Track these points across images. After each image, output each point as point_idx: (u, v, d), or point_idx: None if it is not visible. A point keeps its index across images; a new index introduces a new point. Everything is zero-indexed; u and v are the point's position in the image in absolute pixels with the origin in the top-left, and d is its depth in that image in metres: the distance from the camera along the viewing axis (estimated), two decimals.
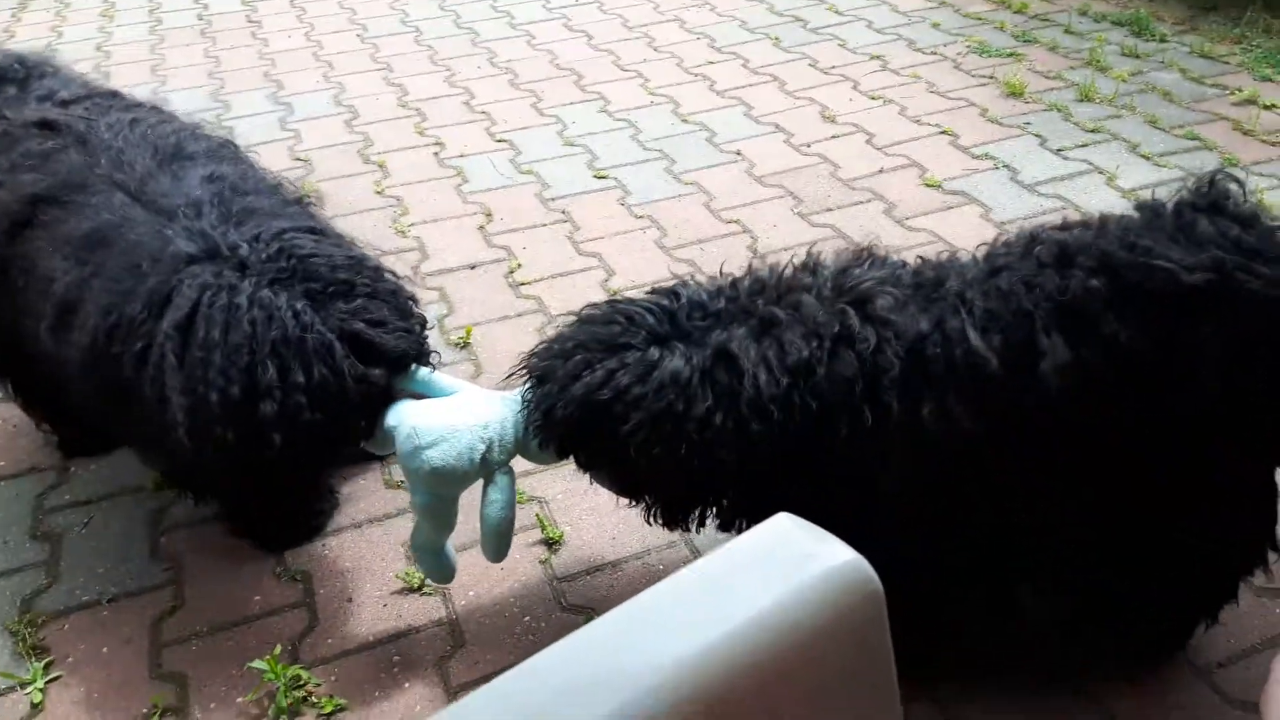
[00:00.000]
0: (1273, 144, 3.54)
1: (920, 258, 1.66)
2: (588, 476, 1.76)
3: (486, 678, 1.82)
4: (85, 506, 2.32)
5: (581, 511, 2.22)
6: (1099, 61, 4.26)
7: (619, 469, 1.63)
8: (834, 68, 4.45)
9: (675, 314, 1.58)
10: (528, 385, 1.69)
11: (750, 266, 1.68)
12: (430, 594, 2.05)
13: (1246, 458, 1.52)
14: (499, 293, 3.02)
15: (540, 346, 1.69)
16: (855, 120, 3.95)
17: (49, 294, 1.80)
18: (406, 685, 1.86)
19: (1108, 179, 3.40)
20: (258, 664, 1.86)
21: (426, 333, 1.93)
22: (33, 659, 1.94)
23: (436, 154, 3.91)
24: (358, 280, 1.82)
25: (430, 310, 1.98)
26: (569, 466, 2.12)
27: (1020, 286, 1.46)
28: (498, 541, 1.78)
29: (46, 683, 1.90)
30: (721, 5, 5.30)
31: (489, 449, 1.70)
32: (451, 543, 1.87)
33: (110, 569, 2.15)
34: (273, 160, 3.84)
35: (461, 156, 3.88)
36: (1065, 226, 1.57)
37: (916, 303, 1.51)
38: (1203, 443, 1.45)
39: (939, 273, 1.56)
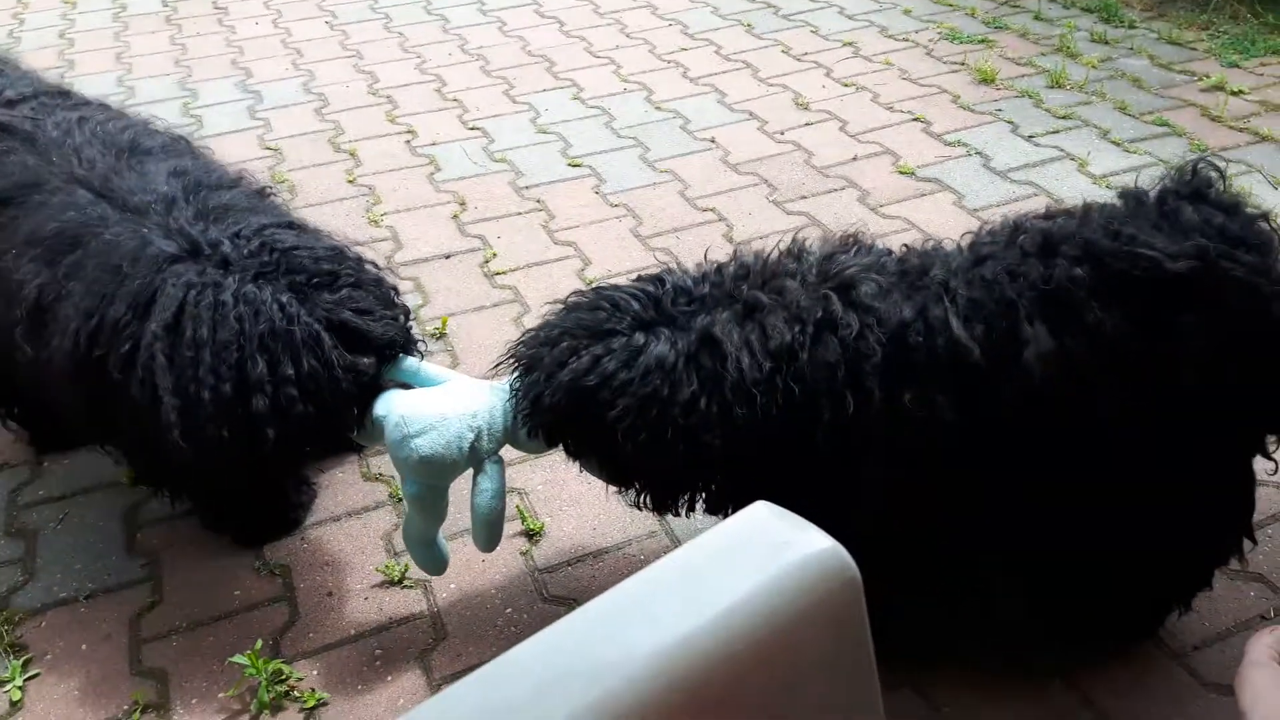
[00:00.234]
0: (1240, 130, 3.59)
1: (905, 246, 1.67)
2: (577, 465, 1.76)
3: (469, 670, 1.83)
4: (60, 502, 2.30)
5: (562, 502, 2.23)
6: (1069, 48, 4.29)
7: (607, 456, 1.64)
8: (806, 54, 4.45)
9: (660, 300, 1.59)
10: (515, 374, 1.69)
11: (735, 252, 1.68)
12: (412, 587, 2.05)
13: (1226, 446, 1.53)
14: (474, 282, 3.01)
15: (527, 334, 1.69)
16: (828, 107, 3.96)
17: (19, 298, 1.77)
18: (389, 678, 1.87)
19: (1079, 165, 3.43)
20: (239, 659, 1.85)
21: (410, 322, 1.93)
22: (11, 657, 1.93)
23: (408, 142, 3.88)
24: (341, 270, 1.81)
25: (406, 301, 1.97)
26: (548, 458, 2.13)
27: (1004, 275, 1.46)
28: (488, 531, 1.79)
29: (25, 680, 1.89)
30: None
31: (478, 438, 1.71)
32: (443, 534, 1.88)
33: (87, 565, 2.13)
34: (242, 149, 3.82)
35: (433, 145, 3.86)
36: (1049, 215, 1.58)
37: (900, 290, 1.52)
38: (1183, 431, 1.46)
39: (923, 261, 1.57)
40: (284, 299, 1.69)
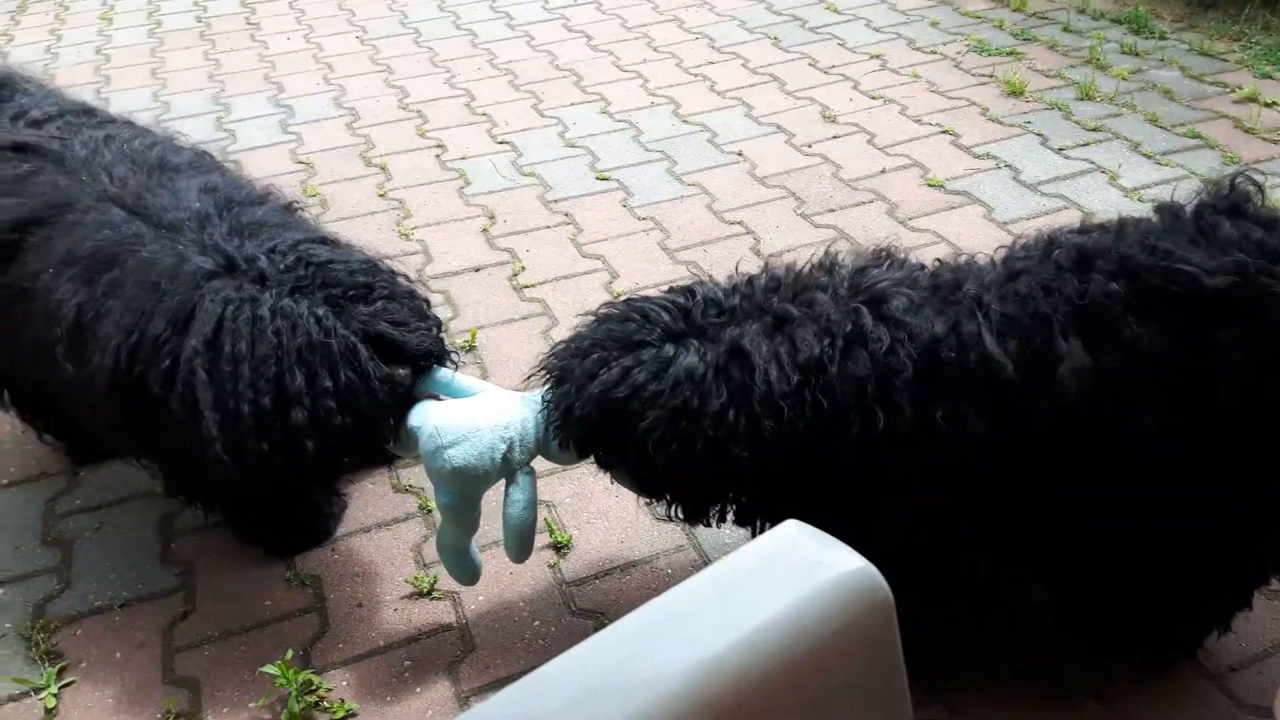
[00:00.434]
0: (1274, 142, 3.55)
1: (937, 260, 1.66)
2: (607, 476, 1.77)
3: (497, 682, 1.86)
4: (96, 512, 2.33)
5: (590, 515, 2.24)
6: (1099, 60, 4.27)
7: (638, 467, 1.64)
8: (834, 67, 4.45)
9: (690, 311, 1.59)
10: (546, 385, 1.70)
11: (767, 264, 1.69)
12: (441, 598, 2.06)
13: (1264, 463, 1.51)
14: (503, 295, 3.03)
15: (558, 346, 1.70)
16: (856, 120, 3.96)
17: (58, 317, 1.80)
18: (418, 690, 1.88)
19: (1110, 178, 3.41)
20: (269, 669, 1.87)
21: (442, 334, 1.94)
22: (46, 664, 1.96)
23: (438, 156, 3.92)
24: (376, 283, 1.84)
25: (436, 313, 1.99)
26: (576, 470, 2.14)
27: (1038, 290, 1.46)
28: (520, 542, 1.80)
29: (60, 688, 1.92)
30: (720, 5, 5.31)
31: (510, 449, 1.72)
32: (475, 544, 1.89)
33: (122, 574, 2.16)
34: (274, 164, 3.87)
35: (463, 159, 3.89)
36: (1083, 230, 1.57)
37: (933, 305, 1.51)
38: (1221, 447, 1.44)
39: (956, 275, 1.57)
40: (320, 312, 1.72)
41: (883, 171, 3.57)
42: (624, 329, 1.61)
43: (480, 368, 2.71)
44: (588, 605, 2.03)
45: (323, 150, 4.02)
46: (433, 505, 2.29)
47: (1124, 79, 4.10)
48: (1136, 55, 4.32)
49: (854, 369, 1.46)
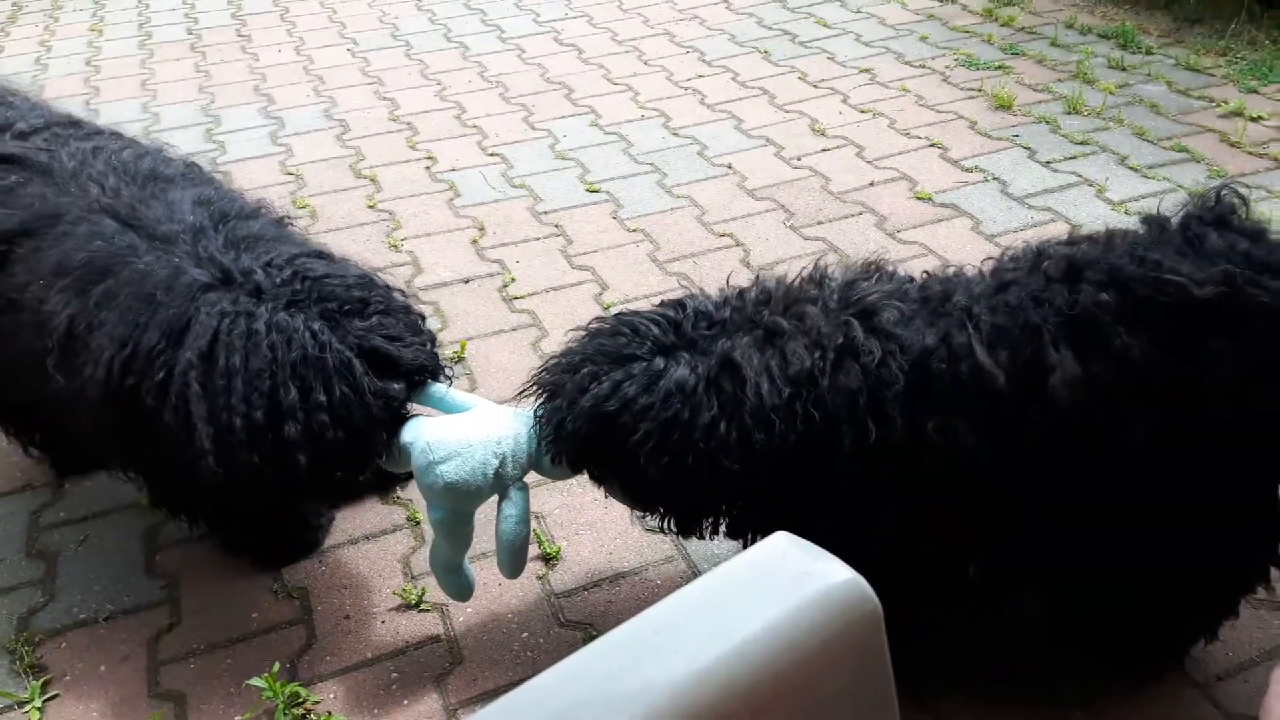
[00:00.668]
0: (1259, 155, 3.58)
1: (926, 272, 1.67)
2: (601, 490, 1.77)
3: (485, 694, 1.85)
4: (80, 524, 2.32)
5: (578, 527, 2.23)
6: (1086, 74, 4.30)
7: (630, 480, 1.64)
8: (823, 81, 4.48)
9: (680, 324, 1.59)
10: (538, 400, 1.70)
11: (758, 277, 1.69)
12: (429, 610, 2.05)
13: (1253, 471, 1.52)
14: (493, 307, 3.03)
15: (549, 361, 1.70)
16: (845, 133, 3.98)
17: (49, 328, 1.78)
18: (405, 702, 1.87)
19: (1097, 191, 3.43)
20: (256, 681, 1.86)
21: (437, 349, 1.94)
22: (30, 678, 1.94)
23: (428, 168, 3.92)
24: (371, 297, 1.83)
25: (431, 329, 1.99)
26: (566, 482, 2.13)
27: (1028, 301, 1.46)
28: (513, 557, 1.79)
29: (44, 701, 1.90)
30: (711, 19, 5.34)
31: (503, 464, 1.71)
32: (469, 560, 1.88)
33: (107, 586, 2.15)
34: (264, 175, 3.87)
35: (453, 170, 3.89)
36: (1072, 241, 1.58)
37: (923, 317, 1.52)
38: (1210, 456, 1.45)
39: (945, 287, 1.57)
40: (316, 326, 1.71)
41: (871, 184, 3.59)
42: (614, 343, 1.61)
43: (469, 379, 2.70)
44: (576, 617, 2.02)
45: (312, 162, 4.01)
46: (421, 517, 2.28)
47: (1111, 93, 4.13)
48: (1124, 70, 4.36)
49: (846, 381, 1.47)
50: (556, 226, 3.45)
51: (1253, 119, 3.82)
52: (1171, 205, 1.58)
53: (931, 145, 3.84)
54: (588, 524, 2.23)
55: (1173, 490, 1.47)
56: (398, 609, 2.06)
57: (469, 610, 2.04)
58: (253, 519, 2.10)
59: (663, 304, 1.67)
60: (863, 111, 4.16)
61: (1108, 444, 1.43)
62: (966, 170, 3.64)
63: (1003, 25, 4.97)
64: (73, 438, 2.11)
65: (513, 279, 3.16)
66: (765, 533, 0.97)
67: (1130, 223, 1.60)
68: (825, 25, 5.13)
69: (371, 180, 3.84)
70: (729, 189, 3.63)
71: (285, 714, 1.83)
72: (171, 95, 4.75)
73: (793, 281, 1.66)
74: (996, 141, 3.83)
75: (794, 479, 1.52)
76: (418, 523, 2.27)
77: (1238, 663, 1.83)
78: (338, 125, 4.33)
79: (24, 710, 1.88)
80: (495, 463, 1.71)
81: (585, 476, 1.75)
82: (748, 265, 3.14)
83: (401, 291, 1.97)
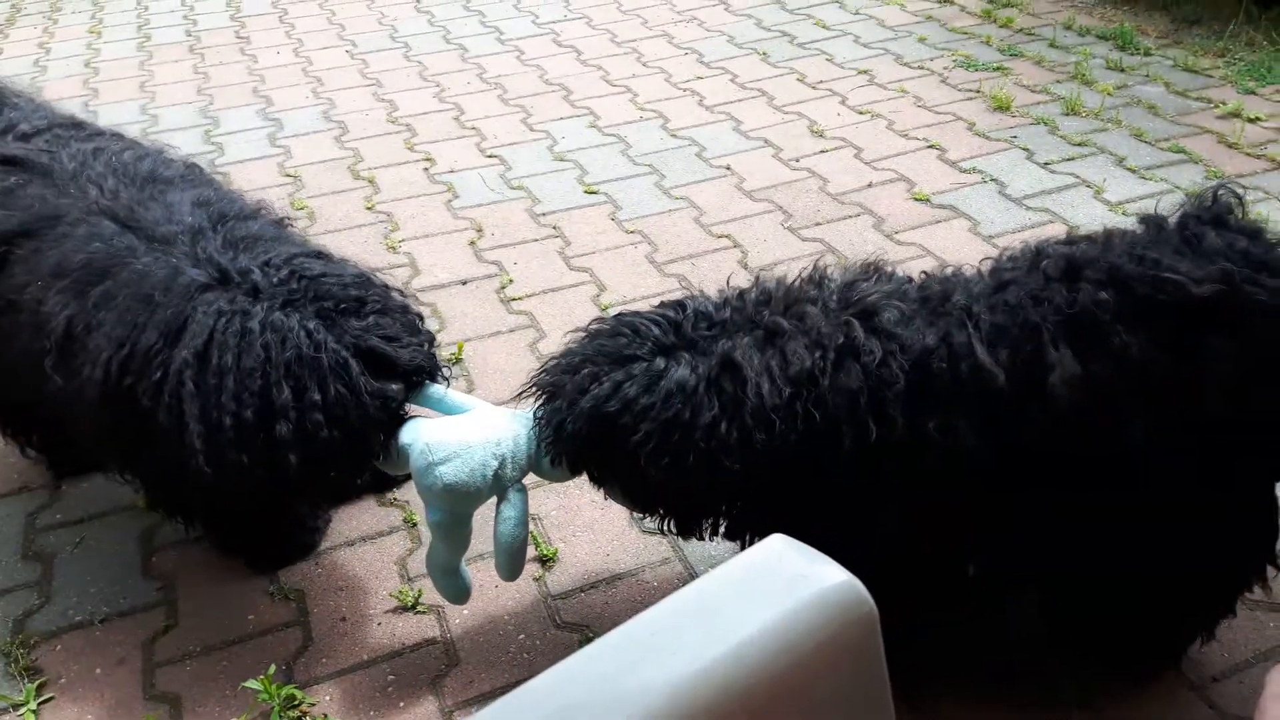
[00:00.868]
0: (1257, 156, 3.58)
1: (924, 272, 1.67)
2: (600, 492, 1.76)
3: (482, 696, 1.84)
4: (77, 525, 2.31)
5: (576, 528, 2.23)
6: (1084, 75, 4.30)
7: (630, 482, 1.64)
8: (821, 82, 4.48)
9: (680, 325, 1.59)
10: (538, 402, 1.69)
11: (758, 278, 1.69)
12: (425, 612, 2.05)
13: (1251, 470, 1.52)
14: (490, 308, 3.03)
15: (549, 362, 1.70)
16: (843, 135, 3.98)
17: (47, 329, 1.78)
18: (402, 704, 1.86)
19: (1095, 192, 3.43)
20: (252, 684, 1.85)
21: (435, 350, 1.94)
22: (25, 680, 1.93)
23: (426, 169, 3.92)
24: (368, 297, 1.83)
25: (429, 329, 1.98)
26: (562, 484, 2.13)
27: (1028, 300, 1.47)
28: (511, 560, 1.78)
29: (39, 704, 1.90)
30: (709, 20, 5.34)
31: (502, 466, 1.71)
32: (465, 562, 1.88)
33: (102, 588, 2.14)
34: (263, 176, 3.87)
35: (451, 172, 3.89)
36: (1070, 241, 1.58)
37: (923, 317, 1.52)
38: (1208, 454, 1.45)
39: (945, 287, 1.57)
40: (311, 326, 1.71)
41: (869, 185, 3.59)
42: (614, 344, 1.61)
43: (467, 380, 2.70)
44: (573, 619, 2.02)
45: (311, 163, 4.01)
46: (417, 518, 2.28)
47: (1109, 94, 4.13)
48: (1122, 71, 4.36)
49: (846, 381, 1.47)
50: (555, 228, 3.45)
51: (1251, 120, 3.82)
52: (1169, 206, 1.58)
53: (930, 146, 3.84)
54: (585, 526, 2.23)
55: (1171, 489, 1.47)
56: (394, 611, 2.06)
57: (465, 612, 2.04)
58: (248, 520, 2.10)
59: (662, 305, 1.67)
60: (861, 113, 4.16)
61: (1107, 442, 1.43)
62: (965, 171, 3.64)
63: (1001, 27, 4.97)
64: (70, 439, 2.11)
65: (511, 280, 3.16)
66: (765, 533, 0.97)
67: (1128, 224, 1.60)
68: (824, 27, 5.13)
69: (370, 182, 3.84)
70: (727, 190, 3.63)
71: (281, 716, 1.82)
72: (170, 97, 4.75)
73: (792, 282, 1.65)
74: (995, 143, 3.83)
75: (794, 479, 1.51)
76: (414, 525, 2.27)
77: (1234, 664, 1.83)
78: (336, 127, 4.33)
79: (19, 713, 1.88)
80: (494, 464, 1.70)
81: (583, 478, 1.74)
82: (746, 266, 3.14)
83: (400, 291, 1.97)
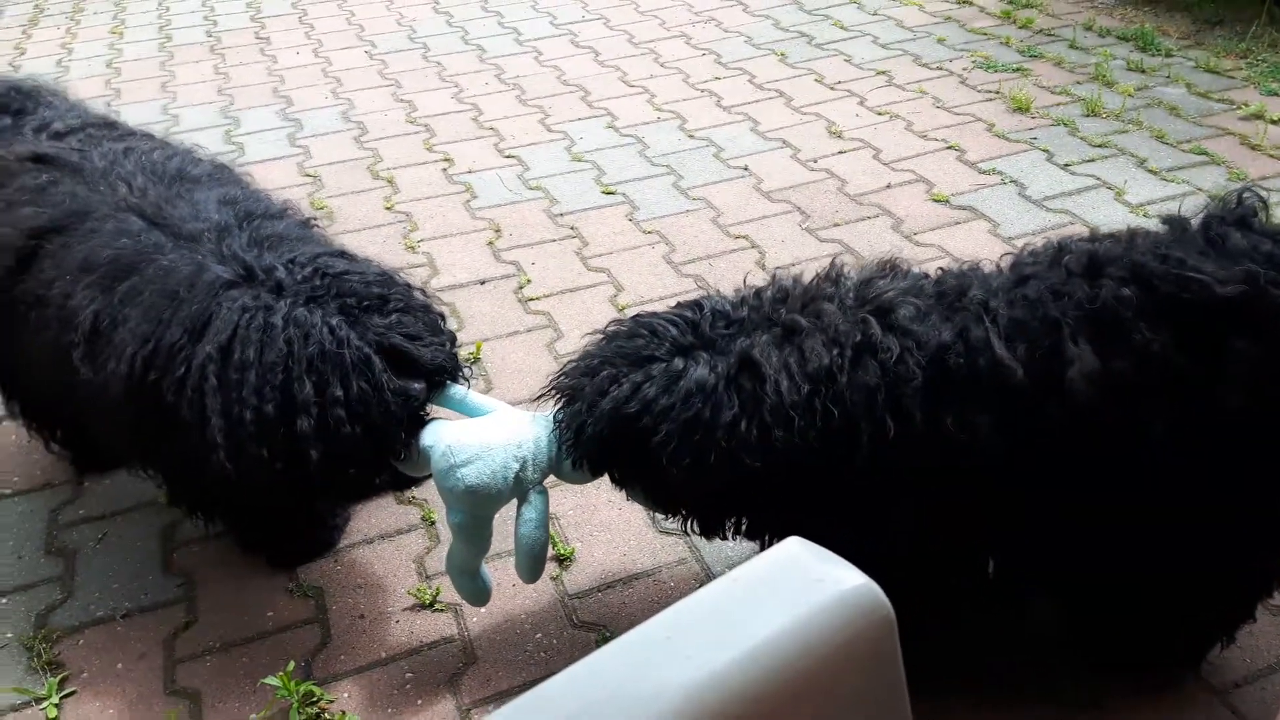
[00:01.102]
0: (1279, 158, 3.55)
1: (940, 268, 1.67)
2: (619, 492, 1.77)
3: (499, 695, 1.85)
4: (99, 521, 2.34)
5: (593, 528, 2.23)
6: (1105, 76, 4.27)
7: (652, 482, 1.64)
8: (840, 83, 4.47)
9: (698, 324, 1.60)
10: (557, 405, 1.70)
11: (774, 276, 1.69)
12: (443, 610, 2.06)
13: (1271, 471, 1.51)
14: (509, 308, 3.04)
15: (568, 365, 1.70)
16: (862, 135, 3.97)
17: (74, 324, 1.80)
18: (419, 701, 1.87)
19: (1116, 194, 3.41)
20: (271, 680, 1.87)
21: (456, 349, 1.94)
22: (48, 674, 1.95)
23: (445, 170, 3.93)
24: (391, 295, 1.84)
25: (451, 329, 1.99)
26: (580, 484, 2.14)
27: (1048, 295, 1.46)
28: (532, 562, 1.79)
29: (61, 698, 1.92)
30: (727, 21, 5.33)
31: (523, 468, 1.71)
32: (486, 564, 1.89)
33: (124, 584, 2.16)
34: (283, 176, 3.89)
35: (470, 172, 3.90)
36: (1093, 238, 1.58)
37: (939, 312, 1.52)
38: (1228, 455, 1.45)
39: (961, 282, 1.57)
40: (334, 322, 1.72)
41: (888, 186, 3.58)
42: (633, 345, 1.61)
43: (485, 380, 2.71)
44: (590, 618, 2.03)
45: (330, 163, 4.03)
46: (436, 517, 2.29)
47: (1130, 95, 4.10)
48: (1143, 72, 4.33)
49: (864, 378, 1.47)
50: (572, 228, 3.46)
51: (1273, 122, 3.78)
52: (1192, 208, 1.57)
53: (949, 147, 3.82)
54: (602, 525, 2.24)
55: (1189, 489, 1.47)
56: (412, 609, 2.07)
57: (482, 611, 2.05)
58: (268, 517, 2.11)
59: (680, 305, 1.67)
60: (880, 114, 4.15)
61: (1125, 440, 1.42)
62: (984, 172, 3.62)
63: (1021, 27, 4.95)
64: (94, 434, 2.13)
65: (528, 280, 3.17)
66: (784, 532, 0.97)
67: (1150, 225, 1.60)
68: (842, 27, 5.11)
69: (389, 182, 3.86)
70: (745, 191, 3.63)
71: (300, 713, 1.84)
72: (191, 97, 4.79)
73: (809, 280, 1.66)
74: (1014, 144, 3.81)
75: (813, 475, 1.51)
76: (433, 523, 2.28)
77: (1256, 670, 1.81)
78: (355, 127, 4.35)
79: (41, 707, 1.90)
80: (516, 466, 1.71)
81: (601, 479, 1.75)
82: (763, 267, 3.14)
83: (422, 290, 1.98)
